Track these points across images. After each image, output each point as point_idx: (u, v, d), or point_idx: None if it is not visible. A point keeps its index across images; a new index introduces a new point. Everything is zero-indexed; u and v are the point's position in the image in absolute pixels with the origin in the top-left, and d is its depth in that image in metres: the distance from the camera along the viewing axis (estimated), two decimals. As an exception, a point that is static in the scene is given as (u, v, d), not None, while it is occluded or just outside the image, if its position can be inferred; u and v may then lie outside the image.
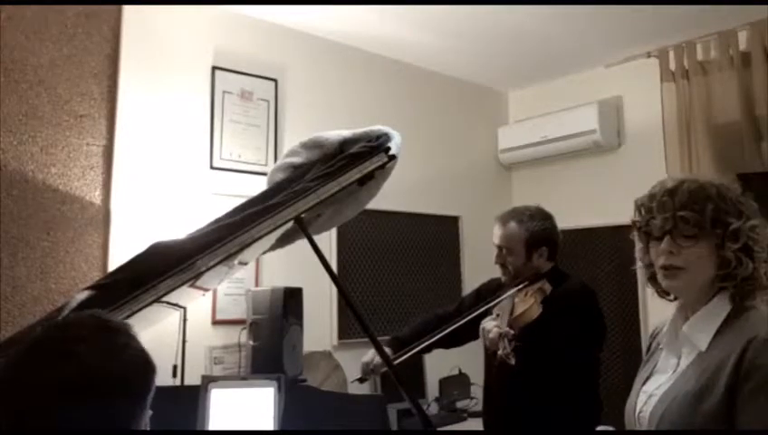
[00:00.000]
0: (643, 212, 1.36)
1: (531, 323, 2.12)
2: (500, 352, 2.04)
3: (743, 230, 1.27)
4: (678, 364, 1.33)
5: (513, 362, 2.02)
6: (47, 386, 0.91)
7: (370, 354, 2.35)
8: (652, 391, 1.35)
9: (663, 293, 1.40)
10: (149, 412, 1.02)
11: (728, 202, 1.29)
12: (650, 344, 1.49)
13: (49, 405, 0.91)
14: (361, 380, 2.37)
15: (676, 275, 1.31)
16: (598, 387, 2.26)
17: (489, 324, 2.14)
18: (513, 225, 2.31)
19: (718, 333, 1.27)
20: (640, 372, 1.44)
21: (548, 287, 2.22)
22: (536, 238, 2.29)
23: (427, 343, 2.28)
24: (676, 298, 1.40)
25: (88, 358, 0.93)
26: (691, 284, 1.32)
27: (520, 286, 2.25)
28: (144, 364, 1.01)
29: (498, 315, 2.21)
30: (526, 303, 2.18)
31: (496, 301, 2.27)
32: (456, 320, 2.30)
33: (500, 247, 2.32)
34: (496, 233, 2.34)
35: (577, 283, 2.30)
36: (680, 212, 1.29)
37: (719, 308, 1.29)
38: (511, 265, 2.31)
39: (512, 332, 2.06)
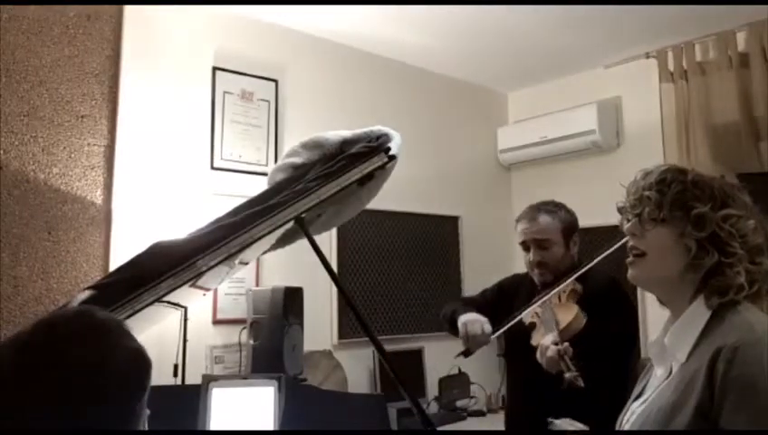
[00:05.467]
0: (625, 194, 1.29)
1: (579, 334, 1.96)
2: (567, 376, 1.82)
3: (709, 217, 1.16)
4: (666, 378, 1.23)
5: (582, 384, 1.80)
6: (36, 393, 0.88)
7: (476, 326, 2.07)
8: (635, 408, 1.27)
9: (660, 301, 1.31)
10: (147, 411, 0.99)
11: (701, 188, 1.19)
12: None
13: (39, 412, 0.87)
14: (467, 353, 2.10)
15: (636, 262, 1.24)
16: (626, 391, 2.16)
17: (545, 342, 1.94)
18: (545, 217, 2.20)
19: (699, 342, 1.16)
20: (636, 387, 1.35)
21: (579, 287, 2.10)
22: (569, 226, 2.21)
23: (519, 316, 2.08)
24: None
25: (77, 361, 0.90)
26: (654, 273, 1.23)
27: (552, 292, 2.09)
28: (138, 363, 0.96)
29: (542, 327, 2.05)
30: (568, 311, 2.03)
31: (533, 305, 2.09)
32: (513, 315, 2.12)
33: (537, 241, 2.17)
34: (529, 228, 2.19)
35: (605, 277, 2.15)
36: (645, 192, 1.22)
37: (697, 315, 1.18)
38: (551, 259, 2.17)
39: (571, 350, 1.86)
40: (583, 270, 2.10)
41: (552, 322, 2.04)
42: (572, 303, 2.06)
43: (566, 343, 1.89)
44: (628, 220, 1.27)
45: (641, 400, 1.28)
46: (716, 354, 1.08)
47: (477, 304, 2.34)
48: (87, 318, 0.98)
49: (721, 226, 1.16)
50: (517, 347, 2.21)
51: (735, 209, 1.18)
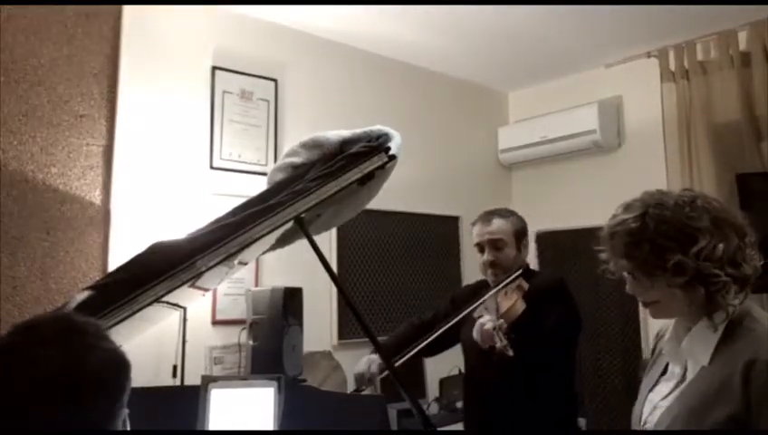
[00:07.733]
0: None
1: (518, 319, 2.11)
2: (498, 345, 2.02)
3: (684, 264, 1.20)
4: (684, 375, 1.29)
5: (511, 353, 2.00)
6: (9, 393, 0.89)
7: (363, 364, 2.28)
8: (657, 402, 1.32)
9: None
10: (126, 411, 0.99)
11: (666, 235, 1.22)
12: (655, 346, 1.46)
13: (15, 413, 0.88)
14: (358, 391, 2.29)
15: (655, 308, 1.30)
16: (575, 375, 2.30)
17: (482, 320, 2.12)
18: (498, 219, 2.32)
19: (720, 347, 1.21)
20: (646, 378, 1.40)
21: (525, 284, 2.22)
22: (521, 230, 2.34)
23: (409, 355, 2.21)
24: None
25: (50, 362, 0.90)
26: (671, 314, 1.31)
27: (501, 285, 2.24)
28: (115, 365, 0.97)
29: (485, 314, 2.20)
30: (510, 300, 2.18)
31: (479, 302, 2.24)
32: (437, 328, 2.26)
33: (492, 242, 2.30)
34: (484, 230, 2.32)
35: (550, 275, 2.31)
36: (621, 260, 1.29)
37: (715, 322, 1.23)
38: (504, 259, 2.29)
39: (506, 324, 2.06)
40: (511, 278, 2.24)
41: (493, 308, 2.21)
42: (515, 294, 2.19)
43: (501, 320, 2.05)
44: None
45: (660, 393, 1.32)
46: (749, 367, 1.14)
47: (430, 321, 2.41)
48: (64, 322, 0.99)
49: (698, 264, 1.20)
50: (467, 339, 2.27)
51: (703, 238, 1.20)
